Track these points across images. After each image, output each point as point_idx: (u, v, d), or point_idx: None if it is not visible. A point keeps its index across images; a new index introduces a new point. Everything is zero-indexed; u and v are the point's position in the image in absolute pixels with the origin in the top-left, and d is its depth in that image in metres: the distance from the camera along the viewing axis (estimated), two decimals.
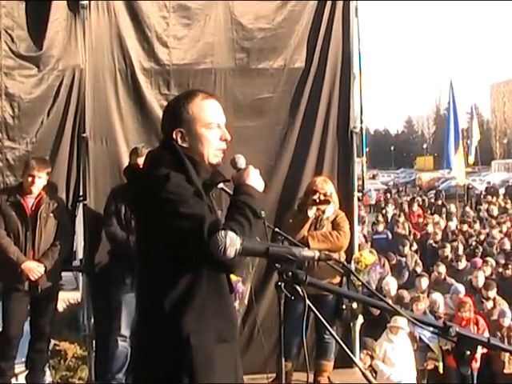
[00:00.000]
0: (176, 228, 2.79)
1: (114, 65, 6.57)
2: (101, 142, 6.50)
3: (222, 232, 2.53)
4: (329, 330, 2.70)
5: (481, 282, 10.64)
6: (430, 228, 17.38)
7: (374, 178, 54.11)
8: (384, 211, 23.57)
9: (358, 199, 7.07)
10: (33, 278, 5.93)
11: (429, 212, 24.54)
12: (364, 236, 15.80)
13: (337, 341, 2.92)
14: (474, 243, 15.71)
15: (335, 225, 6.34)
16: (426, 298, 9.69)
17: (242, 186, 2.96)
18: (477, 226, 18.84)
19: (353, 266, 6.56)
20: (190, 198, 2.85)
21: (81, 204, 6.52)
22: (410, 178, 57.77)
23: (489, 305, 10.07)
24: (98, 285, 6.42)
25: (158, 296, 2.88)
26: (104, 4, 6.49)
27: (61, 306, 7.67)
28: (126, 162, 6.25)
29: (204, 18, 6.68)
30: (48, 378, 6.44)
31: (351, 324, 6.69)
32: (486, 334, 8.42)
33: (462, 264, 12.58)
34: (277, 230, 3.33)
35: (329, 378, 6.37)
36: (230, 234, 2.52)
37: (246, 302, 5.84)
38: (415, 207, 23.10)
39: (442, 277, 11.56)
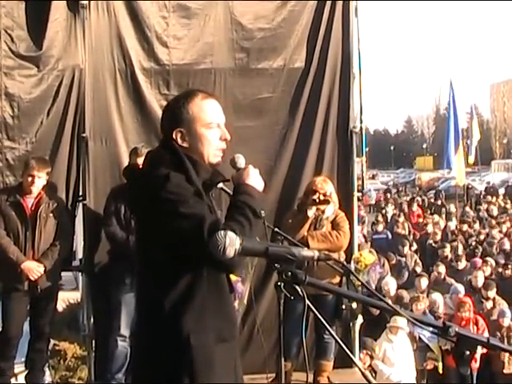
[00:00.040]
0: (176, 228, 2.79)
1: (113, 65, 6.57)
2: (100, 141, 6.50)
3: (222, 232, 2.53)
4: (328, 330, 2.70)
5: (480, 282, 10.64)
6: (430, 228, 17.38)
7: (373, 177, 54.13)
8: (384, 211, 23.56)
9: (358, 199, 7.08)
10: (32, 278, 5.93)
11: (428, 212, 24.54)
12: (364, 236, 15.80)
13: (336, 341, 2.92)
14: (473, 243, 15.72)
15: (335, 225, 6.34)
16: (426, 297, 9.69)
17: (242, 186, 2.97)
18: (476, 226, 18.85)
19: (352, 266, 6.57)
20: (190, 197, 2.85)
21: (80, 204, 6.52)
22: (409, 177, 57.74)
23: (488, 305, 10.07)
24: (97, 285, 6.42)
25: (158, 296, 2.88)
26: (104, 4, 6.49)
27: (60, 305, 7.67)
28: (125, 161, 6.25)
29: (204, 18, 6.68)
30: (47, 377, 6.44)
31: (351, 324, 6.69)
32: (486, 334, 8.42)
33: (462, 264, 12.58)
34: (276, 229, 3.33)
35: (328, 377, 6.36)
36: (230, 233, 2.52)
37: (245, 301, 5.85)
38: (415, 207, 23.09)
39: (442, 277, 11.56)
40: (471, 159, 21.57)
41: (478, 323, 9.08)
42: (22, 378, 6.31)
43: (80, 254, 6.85)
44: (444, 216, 21.60)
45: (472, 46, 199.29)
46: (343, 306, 6.14)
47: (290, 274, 2.53)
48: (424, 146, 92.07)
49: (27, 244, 5.99)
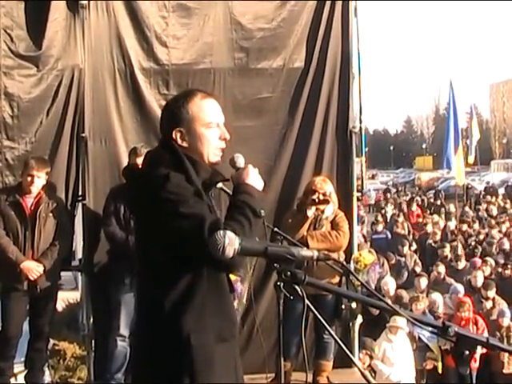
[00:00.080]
0: (176, 228, 2.79)
1: (113, 65, 6.57)
2: (100, 141, 6.50)
3: (221, 232, 2.52)
4: (328, 330, 2.70)
5: (480, 282, 10.64)
6: (430, 228, 17.39)
7: (373, 177, 54.16)
8: (383, 211, 23.57)
9: (358, 199, 7.07)
10: (32, 278, 5.93)
11: (428, 212, 24.55)
12: (363, 236, 15.80)
13: (336, 341, 2.92)
14: (473, 243, 15.73)
15: (334, 225, 6.34)
16: (425, 297, 9.69)
17: (242, 186, 2.97)
18: (476, 225, 18.85)
19: (352, 266, 6.57)
20: (190, 197, 2.85)
21: (80, 204, 6.53)
22: (409, 177, 57.74)
23: (488, 305, 10.07)
24: (97, 285, 6.42)
25: (158, 296, 2.88)
26: (103, 4, 6.49)
27: (60, 305, 7.67)
28: (125, 161, 6.25)
29: (203, 17, 6.68)
30: (47, 377, 6.44)
31: (350, 324, 6.69)
32: (486, 334, 8.42)
33: (462, 264, 12.59)
34: (276, 229, 3.33)
35: (328, 377, 6.36)
36: (229, 233, 2.52)
37: (244, 301, 5.85)
38: (414, 207, 23.10)
39: (442, 277, 11.56)
40: (471, 159, 21.54)
41: (478, 323, 9.09)
42: (21, 378, 6.31)
43: (79, 254, 6.85)
44: (443, 216, 21.61)
45: (471, 46, 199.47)
46: (343, 306, 6.14)
47: (289, 273, 2.53)
48: (423, 145, 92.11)
49: (27, 244, 5.99)
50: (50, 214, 6.06)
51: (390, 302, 4.08)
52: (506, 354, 8.70)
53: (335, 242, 6.24)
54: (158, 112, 6.07)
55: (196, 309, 2.87)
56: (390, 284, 9.95)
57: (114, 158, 6.52)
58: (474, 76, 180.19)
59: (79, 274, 7.20)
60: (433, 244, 15.64)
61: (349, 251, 6.64)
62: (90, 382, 6.53)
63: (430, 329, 2.59)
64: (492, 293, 10.18)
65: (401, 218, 19.61)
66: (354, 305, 6.19)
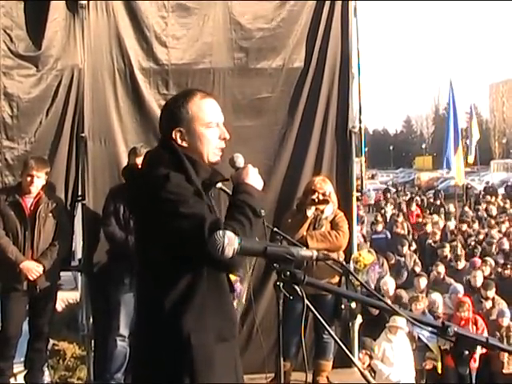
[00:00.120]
0: (176, 228, 2.79)
1: (112, 65, 6.57)
2: (99, 141, 6.50)
3: (220, 232, 2.52)
4: (327, 330, 2.70)
5: (479, 282, 10.64)
6: (429, 228, 17.38)
7: (372, 177, 54.18)
8: (383, 211, 23.57)
9: (357, 199, 7.07)
10: (31, 278, 5.93)
11: (428, 212, 24.55)
12: (363, 236, 15.80)
13: (335, 341, 2.92)
14: (472, 243, 15.72)
15: (334, 224, 6.34)
16: (425, 297, 9.69)
17: (241, 185, 2.97)
18: (476, 225, 18.85)
19: (351, 266, 6.57)
20: (190, 197, 2.85)
21: (79, 204, 6.53)
22: (408, 177, 57.74)
23: (488, 304, 10.06)
24: (96, 285, 6.42)
25: (158, 296, 2.88)
26: (103, 4, 6.49)
27: (60, 305, 7.68)
28: (124, 161, 6.25)
29: (203, 17, 6.68)
30: (47, 377, 6.44)
31: (350, 324, 6.70)
32: (485, 334, 8.42)
33: (461, 264, 12.59)
34: (275, 229, 3.32)
35: (328, 377, 6.36)
36: (228, 233, 2.52)
37: (243, 301, 5.85)
38: (413, 207, 23.10)
39: (441, 277, 11.56)
40: (471, 159, 21.53)
41: (478, 323, 9.08)
42: (21, 378, 6.31)
43: (79, 254, 6.85)
44: (443, 216, 21.61)
45: (471, 45, 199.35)
46: (342, 306, 6.15)
47: (288, 273, 2.53)
48: (423, 145, 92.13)
49: (26, 244, 5.99)
50: (50, 214, 6.06)
51: (389, 301, 4.09)
52: (506, 354, 8.70)
53: (335, 242, 6.24)
54: (158, 112, 6.04)
55: (196, 309, 2.86)
56: (389, 284, 9.95)
57: (113, 157, 6.52)
58: (473, 76, 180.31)
59: (79, 274, 7.21)
60: (432, 244, 15.64)
61: (348, 251, 6.64)
62: (89, 382, 6.53)
63: (430, 329, 2.59)
64: (492, 293, 10.18)
65: (400, 218, 19.60)
66: (353, 305, 6.19)
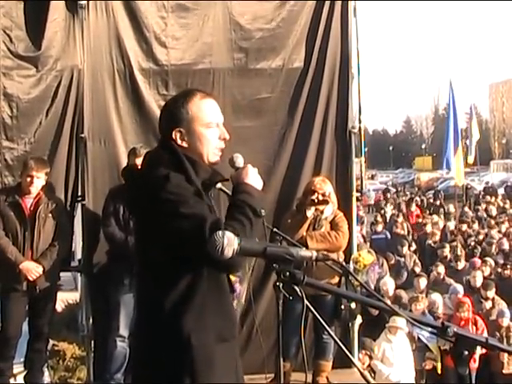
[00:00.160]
0: (176, 228, 2.78)
1: (112, 65, 6.57)
2: (99, 142, 6.50)
3: (220, 232, 2.52)
4: (327, 331, 2.70)
5: (479, 282, 10.64)
6: (429, 228, 17.38)
7: (372, 178, 54.19)
8: (383, 211, 23.57)
9: (357, 199, 7.07)
10: (31, 279, 5.93)
11: (427, 212, 24.54)
12: (363, 236, 15.79)
13: (335, 341, 2.92)
14: (472, 243, 15.72)
15: (334, 225, 6.34)
16: (425, 298, 9.69)
17: (241, 185, 2.97)
18: (475, 226, 18.85)
19: (351, 266, 6.57)
20: (190, 198, 2.85)
21: (79, 204, 6.53)
22: (408, 178, 57.75)
23: (487, 305, 10.06)
24: (96, 285, 6.42)
25: (158, 296, 2.88)
26: (102, 4, 6.49)
27: (59, 306, 7.67)
28: (124, 162, 6.25)
29: (202, 18, 6.68)
30: (46, 378, 6.44)
31: (350, 324, 6.69)
32: (485, 334, 8.42)
33: (461, 264, 12.58)
34: (275, 230, 3.32)
35: (327, 378, 6.37)
36: (228, 233, 2.52)
37: (243, 301, 5.85)
38: (413, 207, 23.10)
39: (441, 277, 11.56)
40: (470, 159, 21.55)
41: (477, 323, 9.08)
42: (20, 379, 6.31)
43: (79, 255, 6.85)
44: (443, 216, 21.61)
45: (471, 46, 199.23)
46: (342, 306, 6.14)
47: (288, 274, 2.53)
48: (423, 146, 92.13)
49: (26, 244, 5.99)
50: (50, 215, 6.06)
51: (389, 302, 4.09)
52: (506, 355, 8.70)
53: (334, 243, 6.24)
54: (157, 112, 6.02)
55: (196, 309, 2.86)
56: (388, 284, 9.95)
57: (113, 158, 6.52)
58: (473, 76, 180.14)
59: (78, 274, 7.20)
60: (432, 244, 15.64)
61: (348, 251, 6.64)
62: (89, 382, 6.53)
63: (429, 329, 2.59)
64: (491, 293, 10.18)
65: (400, 219, 19.60)
66: (353, 305, 6.19)
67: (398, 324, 7.96)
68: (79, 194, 6.50)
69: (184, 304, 2.85)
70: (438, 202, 27.25)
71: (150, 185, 2.91)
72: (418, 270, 12.86)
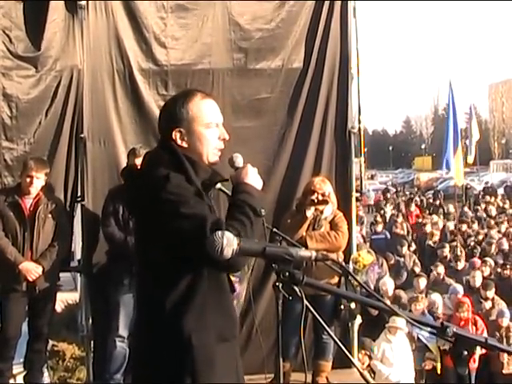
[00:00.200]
0: (177, 228, 2.78)
1: (111, 65, 6.57)
2: (99, 142, 6.50)
3: (219, 232, 2.52)
4: (327, 331, 2.70)
5: (478, 282, 10.63)
6: (429, 228, 17.38)
7: (372, 178, 54.24)
8: (382, 211, 23.57)
9: (357, 199, 7.08)
10: (30, 279, 5.93)
11: (427, 212, 24.54)
12: (362, 236, 15.79)
13: (335, 341, 2.91)
14: (472, 243, 15.71)
15: (333, 225, 6.34)
16: (425, 298, 9.69)
17: (241, 185, 2.97)
18: (475, 226, 18.85)
19: (351, 266, 6.57)
20: (190, 198, 2.85)
21: (79, 204, 6.53)
22: (408, 178, 57.79)
23: (487, 305, 10.06)
24: (96, 285, 6.42)
25: (159, 296, 2.88)
26: (102, 4, 6.49)
27: (59, 306, 7.67)
28: (123, 162, 6.25)
29: (202, 18, 6.68)
30: (46, 378, 6.43)
31: (349, 324, 6.70)
32: (485, 335, 8.42)
33: (461, 264, 12.58)
34: (275, 230, 3.33)
35: (327, 378, 6.37)
36: (227, 234, 2.52)
37: (242, 301, 5.85)
38: (413, 207, 23.10)
39: (441, 277, 11.56)
40: (470, 159, 21.55)
41: (477, 323, 9.08)
42: (20, 379, 6.31)
43: (78, 255, 6.85)
44: (442, 216, 21.61)
45: (470, 46, 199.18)
46: (342, 307, 6.15)
47: (287, 274, 2.53)
48: (422, 146, 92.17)
49: (25, 245, 5.99)
50: (49, 215, 6.06)
51: (388, 302, 4.09)
52: (506, 355, 8.70)
53: (334, 243, 6.24)
54: (157, 113, 6.01)
55: (197, 309, 2.87)
56: (388, 284, 9.94)
57: (112, 158, 6.52)
58: (473, 76, 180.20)
59: (78, 274, 7.20)
60: (432, 244, 15.64)
61: (348, 251, 6.65)
62: (89, 382, 6.53)
63: (429, 329, 2.59)
64: (491, 293, 10.17)
65: (400, 219, 19.59)
66: (352, 305, 6.19)
67: (397, 324, 7.96)
68: (79, 194, 6.50)
69: (185, 304, 2.85)
70: (437, 202, 27.25)
71: (151, 185, 2.91)
72: (417, 270, 12.86)
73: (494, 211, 22.38)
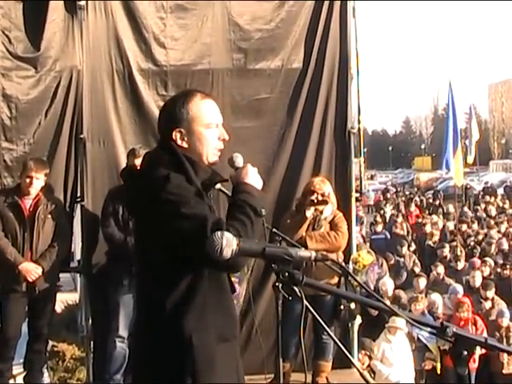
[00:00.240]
0: (177, 229, 2.78)
1: (111, 66, 6.57)
2: (98, 143, 6.50)
3: (219, 233, 2.52)
4: (326, 331, 2.70)
5: (478, 282, 10.63)
6: (428, 228, 17.38)
7: (372, 178, 54.25)
8: (382, 211, 23.57)
9: (356, 199, 7.07)
10: (30, 279, 5.93)
11: (427, 212, 24.55)
12: (362, 236, 15.79)
13: (335, 341, 2.91)
14: (472, 243, 15.71)
15: (333, 225, 6.34)
16: (425, 298, 9.69)
17: (241, 185, 2.97)
18: (475, 226, 18.85)
19: (351, 267, 6.57)
20: (191, 198, 2.85)
21: (78, 205, 6.53)
22: (408, 178, 57.78)
23: (487, 305, 10.06)
24: (95, 286, 6.42)
25: (159, 296, 2.88)
26: (101, 5, 6.49)
27: (59, 307, 7.66)
28: (123, 163, 6.25)
29: (201, 18, 6.68)
30: (46, 379, 6.43)
31: (349, 324, 6.69)
32: (485, 335, 8.41)
33: (461, 264, 12.58)
34: (274, 230, 3.32)
35: (327, 378, 6.37)
36: (227, 234, 2.51)
37: (241, 301, 5.85)
38: (412, 207, 23.10)
39: (441, 277, 11.56)
40: (470, 159, 21.55)
41: (477, 323, 9.08)
42: (20, 379, 6.31)
43: (78, 255, 6.85)
44: (442, 216, 21.61)
45: (470, 46, 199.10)
46: (341, 307, 6.15)
47: (287, 274, 2.53)
48: (422, 146, 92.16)
49: (25, 245, 5.99)
50: (49, 216, 6.06)
51: (388, 302, 4.09)
52: (506, 355, 8.69)
53: (334, 243, 6.24)
54: (157, 113, 6.00)
55: (197, 309, 2.86)
56: (388, 284, 9.94)
57: (112, 159, 6.52)
58: (472, 76, 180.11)
59: (78, 275, 7.20)
60: (432, 244, 15.63)
61: (348, 252, 6.65)
62: (88, 383, 6.53)
63: (429, 329, 2.59)
64: (491, 293, 10.17)
65: (400, 219, 19.60)
66: (352, 305, 6.19)
67: (397, 324, 7.96)
68: (78, 194, 6.50)
69: (185, 304, 2.85)
70: (437, 202, 27.27)
71: (151, 185, 2.91)
72: (417, 270, 12.86)
73: (493, 211, 22.39)
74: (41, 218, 6.01)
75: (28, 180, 5.95)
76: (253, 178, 3.01)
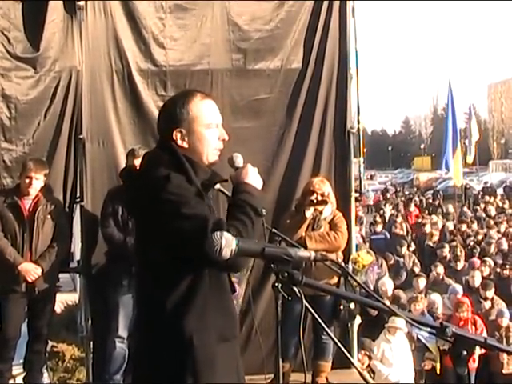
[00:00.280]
0: (178, 229, 2.78)
1: (110, 66, 6.57)
2: (98, 143, 6.50)
3: (218, 233, 2.52)
4: (326, 331, 2.70)
5: (477, 282, 10.63)
6: (428, 228, 17.37)
7: (371, 178, 54.26)
8: (382, 212, 23.56)
9: (356, 199, 7.07)
10: (30, 280, 5.93)
11: (426, 212, 24.54)
12: (362, 236, 15.78)
13: (334, 341, 2.91)
14: (471, 243, 15.70)
15: (333, 225, 6.34)
16: (424, 298, 9.68)
17: (241, 185, 2.97)
18: (474, 226, 18.84)
19: (350, 267, 6.57)
20: (191, 198, 2.85)
21: (78, 205, 6.52)
22: (407, 178, 57.76)
23: (487, 305, 10.05)
24: (95, 286, 6.42)
25: (159, 296, 2.88)
26: (101, 5, 6.49)
27: (58, 307, 7.66)
28: (122, 163, 6.25)
29: (200, 18, 6.68)
30: (46, 379, 6.43)
31: (349, 324, 6.69)
32: (484, 334, 8.41)
33: (460, 264, 12.57)
34: (274, 230, 3.32)
35: (327, 378, 6.37)
36: (226, 234, 2.51)
37: (240, 301, 5.85)
38: (412, 207, 23.09)
39: (440, 277, 11.55)
40: (470, 159, 21.60)
41: (477, 323, 9.08)
42: (20, 380, 6.31)
43: (78, 256, 6.84)
44: (441, 216, 21.60)
45: (470, 46, 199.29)
46: (341, 307, 6.15)
47: (286, 274, 2.53)
48: (422, 146, 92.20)
49: (25, 245, 5.99)
50: (48, 216, 6.06)
51: (387, 302, 4.09)
52: (505, 355, 8.69)
53: (333, 243, 6.24)
54: (156, 113, 6.00)
55: (198, 309, 2.86)
56: (387, 285, 9.93)
57: (111, 159, 6.52)
58: (472, 76, 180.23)
59: (77, 275, 7.20)
60: (431, 244, 15.62)
61: (347, 252, 6.65)
62: (88, 383, 6.53)
63: (428, 329, 2.59)
64: (491, 293, 10.17)
65: (399, 219, 19.58)
66: (352, 305, 6.18)
67: (397, 324, 7.95)
68: (78, 195, 6.49)
69: (185, 304, 2.85)
70: (437, 202, 27.26)
71: (151, 185, 2.91)
72: (417, 270, 12.85)
73: (493, 211, 22.38)
74: (40, 219, 6.01)
75: (27, 180, 5.95)
76: (253, 177, 3.01)
